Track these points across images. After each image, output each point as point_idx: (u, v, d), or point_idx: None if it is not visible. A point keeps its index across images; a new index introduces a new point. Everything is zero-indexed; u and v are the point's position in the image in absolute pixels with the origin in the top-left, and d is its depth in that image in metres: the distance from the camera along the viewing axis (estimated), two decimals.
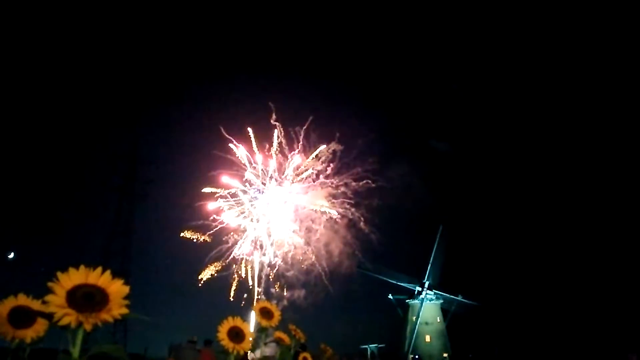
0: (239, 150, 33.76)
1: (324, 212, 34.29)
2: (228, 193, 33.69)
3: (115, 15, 45.76)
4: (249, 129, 33.65)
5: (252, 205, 34.29)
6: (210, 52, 52.19)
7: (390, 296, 37.03)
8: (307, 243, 34.20)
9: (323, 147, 33.35)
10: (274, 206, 34.68)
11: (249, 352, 1.97)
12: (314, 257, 33.85)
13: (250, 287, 33.74)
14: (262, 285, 34.09)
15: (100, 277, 1.15)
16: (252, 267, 33.96)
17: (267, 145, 34.01)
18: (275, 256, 34.01)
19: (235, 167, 33.80)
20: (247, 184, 34.12)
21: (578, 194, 42.23)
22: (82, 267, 1.15)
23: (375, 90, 50.97)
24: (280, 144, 34.15)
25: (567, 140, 43.50)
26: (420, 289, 35.34)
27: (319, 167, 34.08)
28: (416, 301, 35.77)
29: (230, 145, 33.67)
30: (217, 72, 49.09)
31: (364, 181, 34.07)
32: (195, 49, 50.02)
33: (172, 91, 53.27)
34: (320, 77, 49.26)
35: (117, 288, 1.14)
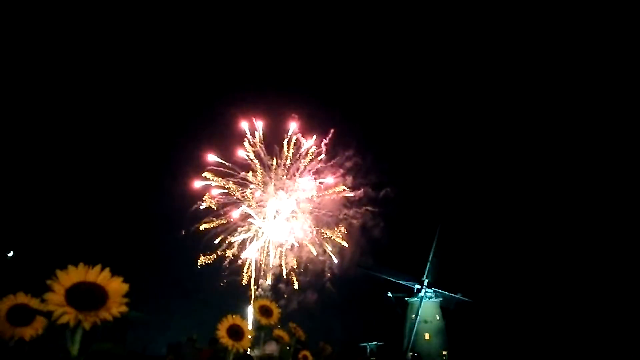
0: (258, 156, 34.50)
1: (340, 218, 35.14)
2: (240, 193, 34.34)
3: (129, 12, 45.38)
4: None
5: (264, 208, 34.86)
6: (226, 63, 51.92)
7: (389, 294, 36.98)
8: (321, 246, 34.84)
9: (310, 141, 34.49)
10: (287, 209, 35.25)
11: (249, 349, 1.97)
12: (328, 261, 34.61)
13: (255, 286, 34.12)
14: (269, 284, 34.51)
15: (99, 275, 1.13)
16: (254, 267, 34.35)
17: (288, 153, 34.90)
18: (284, 257, 34.48)
19: (254, 172, 34.62)
20: (265, 188, 34.83)
21: (576, 193, 42.28)
22: (81, 264, 1.13)
23: (370, 91, 50.84)
24: (298, 151, 35.11)
25: (564, 138, 43.51)
26: (419, 286, 35.35)
27: (336, 177, 35.11)
28: (415, 299, 35.77)
29: (248, 147, 34.43)
30: (231, 82, 48.99)
31: (382, 188, 35.14)
32: (213, 60, 49.63)
33: (179, 100, 53.00)
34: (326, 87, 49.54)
35: (116, 286, 1.13)
